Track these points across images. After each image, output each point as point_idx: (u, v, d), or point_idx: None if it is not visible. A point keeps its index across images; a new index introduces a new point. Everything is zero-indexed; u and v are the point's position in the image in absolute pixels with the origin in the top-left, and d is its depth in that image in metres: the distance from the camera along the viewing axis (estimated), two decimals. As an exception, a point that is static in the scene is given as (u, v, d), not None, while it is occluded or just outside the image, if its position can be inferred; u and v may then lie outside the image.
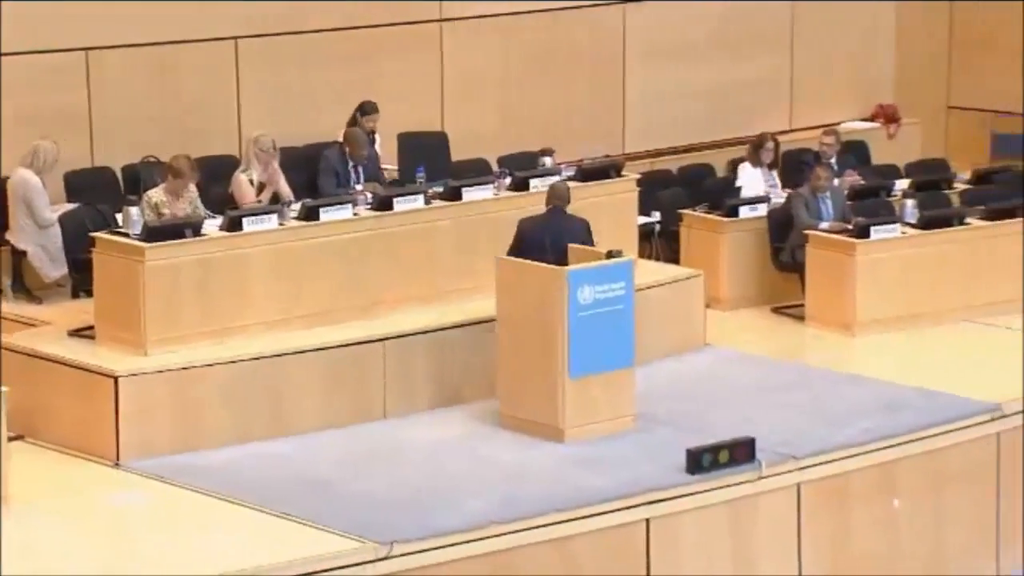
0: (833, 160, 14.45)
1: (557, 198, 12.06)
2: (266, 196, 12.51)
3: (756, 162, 14.41)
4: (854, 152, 15.10)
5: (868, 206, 13.75)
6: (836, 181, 13.95)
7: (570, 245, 11.49)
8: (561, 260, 11.65)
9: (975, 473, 11.60)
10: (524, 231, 11.94)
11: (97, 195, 12.57)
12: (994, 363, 12.53)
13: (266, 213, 11.99)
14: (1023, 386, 11.89)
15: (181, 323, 11.43)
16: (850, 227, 13.29)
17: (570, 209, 11.90)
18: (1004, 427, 11.69)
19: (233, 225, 11.75)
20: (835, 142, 14.64)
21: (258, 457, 10.96)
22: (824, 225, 13.37)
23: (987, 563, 11.69)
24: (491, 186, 12.87)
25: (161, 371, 11.09)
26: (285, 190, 12.61)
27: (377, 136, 13.36)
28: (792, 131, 15.29)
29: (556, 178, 13.01)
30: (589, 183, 13.11)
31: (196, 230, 11.63)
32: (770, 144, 14.39)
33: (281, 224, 11.93)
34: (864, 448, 11.14)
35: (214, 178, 12.67)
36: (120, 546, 9.68)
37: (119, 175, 12.98)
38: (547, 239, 11.78)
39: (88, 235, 11.66)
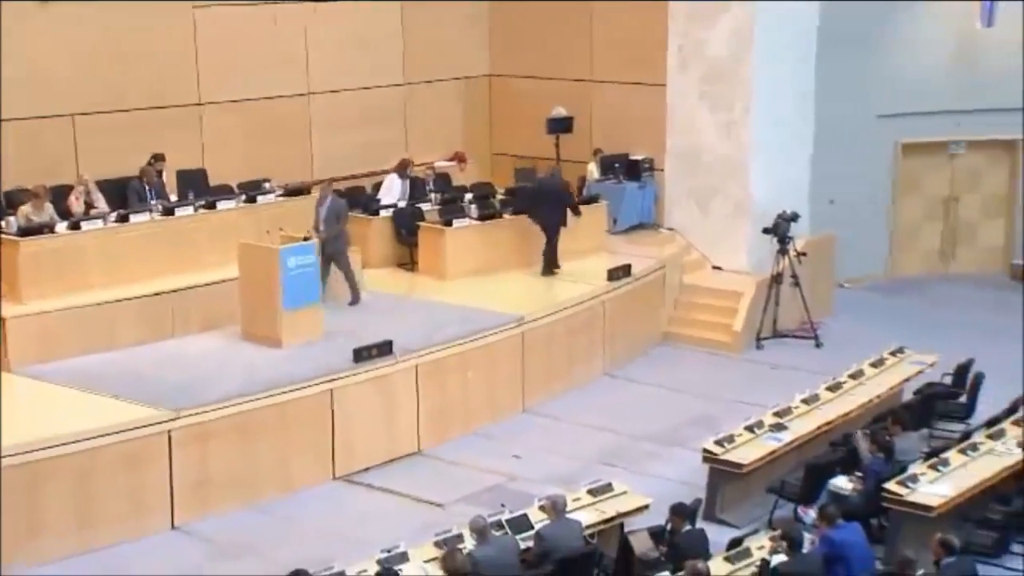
0: (432, 183, 14.55)
1: (555, 174, 13.82)
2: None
3: (403, 176, 14.18)
4: (443, 179, 15.27)
5: (450, 208, 13.75)
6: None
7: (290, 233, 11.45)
8: (554, 205, 13.28)
9: (507, 355, 11.82)
10: (538, 186, 13.67)
11: (-14, 211, 11.90)
12: (521, 293, 12.76)
13: (97, 218, 11.65)
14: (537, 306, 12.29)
15: (44, 285, 11.02)
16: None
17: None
18: (525, 329, 11.98)
19: (75, 226, 11.41)
20: (434, 174, 14.74)
21: (96, 362, 10.62)
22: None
23: (516, 407, 11.89)
24: (233, 200, 12.61)
25: (33, 314, 10.70)
26: (103, 205, 12.14)
27: (164, 172, 12.89)
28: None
29: (272, 196, 12.90)
30: (292, 197, 12.94)
31: (52, 229, 11.28)
32: (411, 168, 14.28)
33: (105, 224, 11.59)
34: (449, 344, 11.30)
35: (59, 198, 12.04)
36: (12, 420, 9.27)
37: (1, 198, 12.24)
38: (550, 192, 13.36)
39: (-18, 235, 11.13)
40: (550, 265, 13.37)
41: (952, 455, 9.47)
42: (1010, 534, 8.81)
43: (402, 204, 13.78)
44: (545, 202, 13.42)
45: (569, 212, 13.53)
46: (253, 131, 14.23)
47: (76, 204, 12.02)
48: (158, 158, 12.86)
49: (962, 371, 11.41)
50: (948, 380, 11.45)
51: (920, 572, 7.61)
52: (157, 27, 13.33)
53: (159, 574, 8.92)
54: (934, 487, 8.97)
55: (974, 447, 9.64)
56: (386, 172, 14.44)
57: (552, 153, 15.51)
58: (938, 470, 9.20)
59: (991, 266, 16.34)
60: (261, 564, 8.87)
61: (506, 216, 13.77)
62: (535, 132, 15.53)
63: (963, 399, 11.20)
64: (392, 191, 14.18)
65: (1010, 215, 16.35)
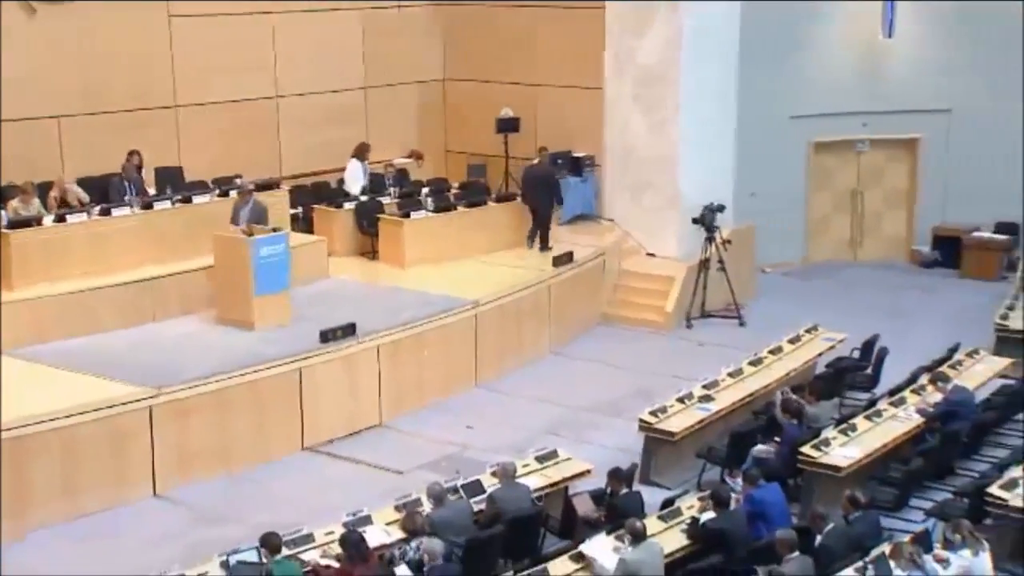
0: (391, 178, 14.49)
1: (544, 160, 13.72)
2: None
3: (361, 159, 13.98)
4: (401, 174, 15.17)
5: (408, 201, 13.65)
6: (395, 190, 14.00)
7: (257, 226, 11.33)
8: (540, 189, 13.37)
9: (462, 336, 11.82)
10: (526, 172, 13.63)
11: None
12: (475, 279, 12.60)
13: (81, 212, 11.44)
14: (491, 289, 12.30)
15: (31, 274, 10.85)
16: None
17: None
18: (480, 311, 12.00)
19: (60, 219, 11.22)
20: (393, 170, 14.64)
21: (82, 345, 10.49)
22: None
23: (469, 383, 11.90)
24: (208, 195, 12.44)
25: (22, 300, 10.56)
26: (85, 198, 11.96)
27: (143, 168, 12.73)
28: (370, 163, 15.18)
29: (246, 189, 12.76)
30: (262, 192, 12.70)
31: (39, 222, 11.11)
32: (368, 151, 13.99)
33: (89, 217, 11.40)
34: (408, 326, 11.30)
35: (44, 194, 11.86)
36: (3, 398, 9.12)
37: (-6, 194, 12.08)
38: (537, 178, 13.43)
39: (-27, 227, 10.90)
40: (543, 243, 13.56)
41: (859, 421, 9.66)
42: (909, 490, 9.02)
43: (367, 183, 13.72)
44: (533, 186, 13.55)
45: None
46: (226, 131, 14.09)
47: (53, 205, 11.85)
48: (135, 153, 12.67)
49: (868, 346, 11.64)
50: (856, 354, 11.67)
51: (831, 525, 7.77)
52: (136, 34, 13.15)
53: (143, 538, 8.86)
54: (843, 450, 9.15)
55: (878, 414, 9.85)
56: (358, 147, 14.16)
57: (501, 151, 15.55)
58: (847, 434, 9.38)
59: (894, 253, 16.65)
60: (237, 528, 8.83)
61: (460, 209, 13.76)
62: (485, 131, 15.53)
63: (869, 371, 11.42)
64: (356, 176, 13.96)
65: (910, 207, 16.66)
